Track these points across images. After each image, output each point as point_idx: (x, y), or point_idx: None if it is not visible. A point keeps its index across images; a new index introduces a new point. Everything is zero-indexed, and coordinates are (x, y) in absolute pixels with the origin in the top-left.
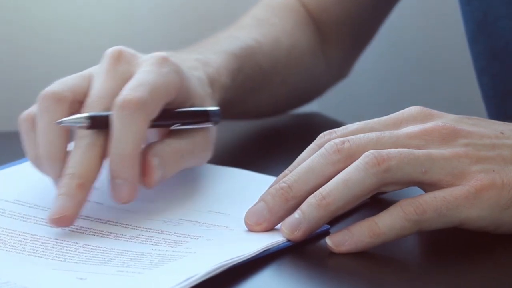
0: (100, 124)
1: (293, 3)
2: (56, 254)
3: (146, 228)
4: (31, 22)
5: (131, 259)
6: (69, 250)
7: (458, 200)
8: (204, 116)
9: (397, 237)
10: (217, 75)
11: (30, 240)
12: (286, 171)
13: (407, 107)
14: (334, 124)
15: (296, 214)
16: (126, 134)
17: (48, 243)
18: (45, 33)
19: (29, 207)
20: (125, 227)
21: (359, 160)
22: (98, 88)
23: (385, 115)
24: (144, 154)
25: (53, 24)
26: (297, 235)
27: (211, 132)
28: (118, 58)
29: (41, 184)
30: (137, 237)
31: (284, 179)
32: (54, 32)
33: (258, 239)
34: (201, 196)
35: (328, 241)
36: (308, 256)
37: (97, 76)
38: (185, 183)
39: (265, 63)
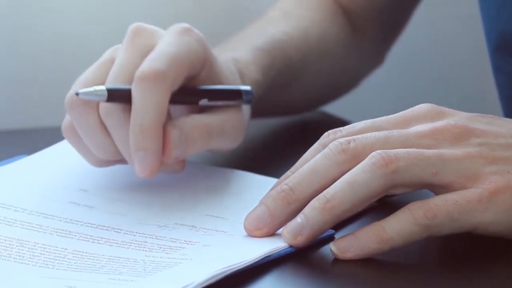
0: (120, 97)
1: None
2: (44, 260)
3: (139, 233)
4: (30, 22)
5: (123, 266)
6: (58, 257)
7: (471, 203)
8: (235, 94)
9: (406, 243)
10: (247, 70)
11: (16, 246)
12: (288, 172)
13: (417, 105)
14: (340, 123)
15: (299, 218)
16: (145, 105)
17: (35, 249)
18: (44, 33)
19: (15, 210)
20: (117, 231)
21: (365, 160)
22: (118, 64)
23: (394, 113)
24: (165, 126)
25: (52, 24)
26: (300, 240)
27: (244, 112)
28: (137, 32)
29: (27, 187)
30: (130, 242)
31: (286, 181)
32: (53, 31)
33: (258, 245)
34: (198, 200)
35: (333, 247)
36: (311, 263)
37: (118, 53)
38: (181, 186)
39: (295, 56)
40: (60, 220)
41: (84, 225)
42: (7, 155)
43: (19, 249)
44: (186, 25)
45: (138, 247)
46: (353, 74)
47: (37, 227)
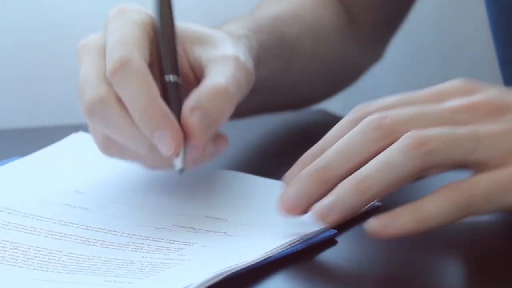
0: None
1: None
2: (38, 263)
3: (136, 235)
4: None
5: (119, 267)
6: (52, 259)
7: (510, 182)
8: None
9: (443, 223)
10: (231, 31)
11: (10, 249)
12: (315, 148)
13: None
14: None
15: (331, 196)
16: (132, 93)
17: (29, 252)
18: (43, 32)
19: (8, 213)
20: (113, 234)
21: (399, 141)
22: (88, 73)
23: None
24: (182, 113)
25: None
26: (331, 219)
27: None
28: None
29: (21, 189)
30: (126, 244)
31: (319, 159)
32: (52, 30)
33: (258, 245)
34: (196, 201)
35: (369, 226)
36: (313, 264)
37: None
38: (178, 187)
39: (289, 32)
40: (55, 223)
41: (79, 228)
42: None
43: (12, 252)
44: (120, 7)
45: (135, 248)
46: (352, 64)
47: (31, 230)
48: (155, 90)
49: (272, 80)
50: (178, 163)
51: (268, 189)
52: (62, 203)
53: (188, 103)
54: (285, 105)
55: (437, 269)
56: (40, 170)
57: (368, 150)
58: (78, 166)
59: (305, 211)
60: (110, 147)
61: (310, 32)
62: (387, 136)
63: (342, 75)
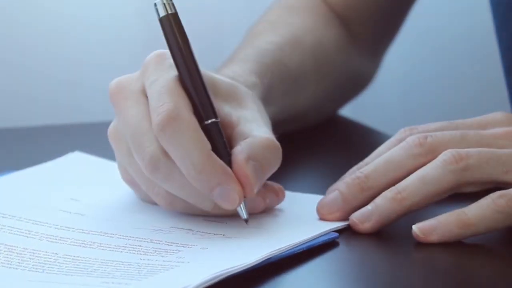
0: None
1: (313, 1)
2: (33, 265)
3: (133, 237)
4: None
5: (117, 269)
6: (48, 261)
7: None
8: None
9: (488, 230)
10: (238, 76)
11: (4, 251)
12: (361, 163)
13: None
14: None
15: (369, 206)
16: (183, 149)
17: (25, 254)
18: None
19: (3, 217)
20: (110, 236)
21: (437, 158)
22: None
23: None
24: (235, 159)
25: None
26: (367, 226)
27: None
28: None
29: (15, 197)
30: (123, 246)
31: (361, 170)
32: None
33: (258, 247)
34: None
35: (416, 229)
36: (314, 267)
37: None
38: None
39: (290, 63)
40: (50, 227)
41: (75, 231)
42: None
43: (7, 254)
44: (160, 52)
45: (132, 250)
46: (356, 78)
47: (26, 233)
48: (207, 145)
49: (281, 116)
50: (242, 213)
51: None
52: (57, 209)
53: (242, 153)
54: (295, 129)
55: (438, 272)
56: (35, 182)
57: (409, 165)
58: (73, 179)
59: (342, 217)
60: (175, 203)
61: (312, 56)
62: (428, 154)
63: (348, 89)
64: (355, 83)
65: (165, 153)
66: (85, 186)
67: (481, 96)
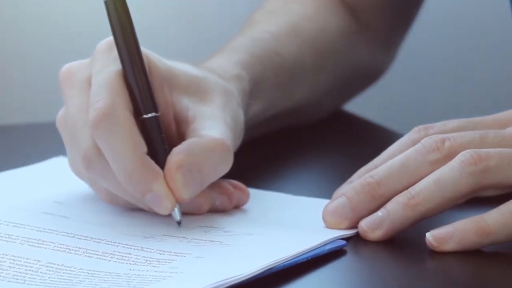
0: None
1: None
2: (13, 274)
3: (122, 244)
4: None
5: (104, 280)
6: (30, 270)
7: None
8: None
9: (510, 239)
10: (222, 70)
11: None
12: (370, 164)
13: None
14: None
15: (380, 212)
16: (116, 151)
17: (4, 262)
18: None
19: None
20: (97, 242)
21: (454, 159)
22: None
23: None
24: (166, 166)
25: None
26: (378, 234)
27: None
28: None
29: None
30: (111, 253)
31: (371, 173)
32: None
33: (258, 256)
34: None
35: (430, 237)
36: (319, 278)
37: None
38: None
39: (286, 53)
40: (32, 229)
41: (59, 234)
42: None
43: None
44: (111, 42)
45: (121, 259)
46: (364, 71)
47: (5, 237)
48: (141, 148)
49: (273, 109)
50: (176, 215)
51: (265, 197)
52: (40, 211)
53: (176, 154)
54: (290, 125)
55: (454, 284)
56: (16, 184)
57: (426, 173)
58: (57, 182)
59: (350, 226)
60: (117, 199)
61: (311, 45)
62: (445, 158)
63: (353, 83)
64: (362, 75)
65: (100, 151)
66: (69, 190)
67: (494, 91)
